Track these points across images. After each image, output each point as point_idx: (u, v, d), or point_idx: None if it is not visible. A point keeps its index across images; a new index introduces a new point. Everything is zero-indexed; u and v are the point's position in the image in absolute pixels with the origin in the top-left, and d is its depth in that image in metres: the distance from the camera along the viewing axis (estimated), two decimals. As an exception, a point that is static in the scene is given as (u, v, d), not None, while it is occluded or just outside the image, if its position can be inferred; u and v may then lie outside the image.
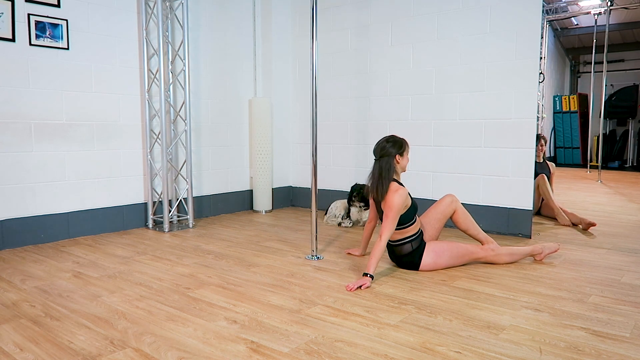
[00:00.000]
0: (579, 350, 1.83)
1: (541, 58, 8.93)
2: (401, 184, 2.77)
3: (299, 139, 5.25)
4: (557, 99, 11.25)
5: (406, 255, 2.83)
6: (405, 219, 2.77)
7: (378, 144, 2.86)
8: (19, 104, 3.38)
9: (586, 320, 2.11)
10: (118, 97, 3.91)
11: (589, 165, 9.92)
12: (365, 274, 2.58)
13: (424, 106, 4.24)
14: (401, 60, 4.35)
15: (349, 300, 2.36)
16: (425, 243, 2.86)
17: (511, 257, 3.00)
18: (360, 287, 2.53)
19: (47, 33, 3.47)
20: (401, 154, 2.81)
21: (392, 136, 2.87)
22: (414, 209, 2.82)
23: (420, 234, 2.85)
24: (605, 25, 8.27)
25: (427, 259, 2.82)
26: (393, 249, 2.87)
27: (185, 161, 4.23)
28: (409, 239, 2.81)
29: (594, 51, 8.90)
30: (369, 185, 2.84)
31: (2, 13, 3.25)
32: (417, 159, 4.31)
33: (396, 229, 2.75)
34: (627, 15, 9.62)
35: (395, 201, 2.67)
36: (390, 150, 2.79)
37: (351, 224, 4.22)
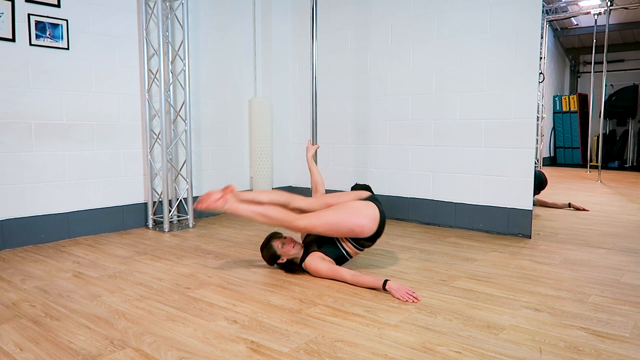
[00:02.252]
0: (578, 350, 1.83)
1: (541, 58, 8.92)
2: (306, 252, 2.78)
3: (299, 139, 5.25)
4: (557, 99, 11.25)
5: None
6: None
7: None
8: (19, 104, 3.38)
9: (586, 320, 2.11)
10: (118, 97, 3.91)
11: (589, 165, 9.92)
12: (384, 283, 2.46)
13: (424, 106, 4.24)
14: (401, 60, 4.35)
15: (349, 300, 2.36)
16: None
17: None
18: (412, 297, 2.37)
19: (47, 33, 3.47)
20: (280, 255, 2.79)
21: (263, 246, 2.87)
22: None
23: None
24: (605, 25, 8.26)
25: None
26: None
27: (185, 161, 4.23)
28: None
29: (594, 51, 8.89)
30: None
31: (2, 13, 3.25)
32: (417, 159, 4.32)
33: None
34: (627, 15, 9.62)
35: (315, 267, 2.68)
36: (271, 261, 2.85)
37: (351, 224, 4.21)
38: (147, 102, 4.04)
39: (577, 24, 10.86)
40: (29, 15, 3.37)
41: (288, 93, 5.24)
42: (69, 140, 3.66)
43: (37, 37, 3.42)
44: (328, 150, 4.90)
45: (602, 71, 8.16)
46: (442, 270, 2.86)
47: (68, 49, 3.59)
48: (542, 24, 9.17)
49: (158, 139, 4.11)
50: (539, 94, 9.08)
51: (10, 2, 3.28)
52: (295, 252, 2.79)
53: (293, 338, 1.93)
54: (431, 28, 4.14)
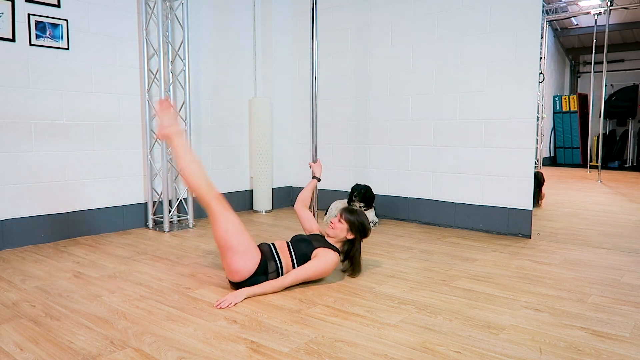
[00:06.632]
0: (578, 350, 1.83)
1: (541, 58, 8.92)
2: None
3: (299, 139, 5.25)
4: (557, 99, 11.25)
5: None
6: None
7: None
8: (19, 104, 3.38)
9: (586, 320, 2.11)
10: (118, 97, 3.91)
11: (588, 165, 9.92)
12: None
13: (424, 106, 4.24)
14: (401, 60, 4.35)
15: (349, 300, 2.36)
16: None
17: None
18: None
19: (47, 33, 3.47)
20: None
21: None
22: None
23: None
24: (605, 25, 8.27)
25: None
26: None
27: (185, 161, 4.22)
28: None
29: (593, 51, 8.89)
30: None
31: (2, 13, 3.25)
32: (417, 159, 4.32)
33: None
34: (627, 15, 9.62)
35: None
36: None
37: (351, 224, 4.21)
38: (147, 102, 4.04)
39: (577, 24, 10.87)
40: (29, 15, 3.37)
41: (288, 93, 5.24)
42: (69, 140, 3.65)
43: (37, 37, 3.42)
44: (328, 150, 4.90)
45: (602, 71, 8.16)
46: (442, 270, 2.86)
47: (68, 49, 3.59)
48: (542, 24, 9.18)
49: (158, 139, 4.10)
50: (539, 94, 9.08)
51: (10, 2, 3.28)
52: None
53: (293, 338, 1.93)
54: (431, 28, 4.14)
